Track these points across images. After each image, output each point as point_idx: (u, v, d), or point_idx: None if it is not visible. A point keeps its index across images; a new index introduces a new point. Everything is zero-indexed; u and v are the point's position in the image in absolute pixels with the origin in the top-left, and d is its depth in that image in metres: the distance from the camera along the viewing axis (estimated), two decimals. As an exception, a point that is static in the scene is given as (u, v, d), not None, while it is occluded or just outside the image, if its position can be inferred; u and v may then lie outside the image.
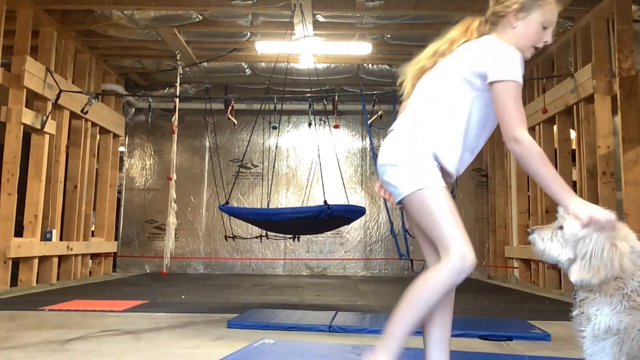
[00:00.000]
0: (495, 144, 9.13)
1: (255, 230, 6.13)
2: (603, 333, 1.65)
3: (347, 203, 5.51)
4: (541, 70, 7.59)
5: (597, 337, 1.66)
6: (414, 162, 1.87)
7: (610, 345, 1.64)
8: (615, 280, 1.65)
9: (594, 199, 5.64)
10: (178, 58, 7.37)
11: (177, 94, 7.28)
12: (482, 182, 9.63)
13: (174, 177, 6.53)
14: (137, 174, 9.71)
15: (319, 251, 9.46)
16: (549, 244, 1.80)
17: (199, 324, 3.78)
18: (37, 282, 6.33)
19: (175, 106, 6.81)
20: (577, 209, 1.69)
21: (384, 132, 9.44)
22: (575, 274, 1.70)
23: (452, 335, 3.32)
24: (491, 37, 1.97)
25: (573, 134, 7.03)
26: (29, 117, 6.05)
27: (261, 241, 6.20)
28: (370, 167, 9.54)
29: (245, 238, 6.57)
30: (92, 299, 5.23)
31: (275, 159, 8.08)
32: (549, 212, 7.18)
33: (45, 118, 6.31)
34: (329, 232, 8.71)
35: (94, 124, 7.80)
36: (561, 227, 1.79)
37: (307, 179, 8.79)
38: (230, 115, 5.89)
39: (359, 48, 7.44)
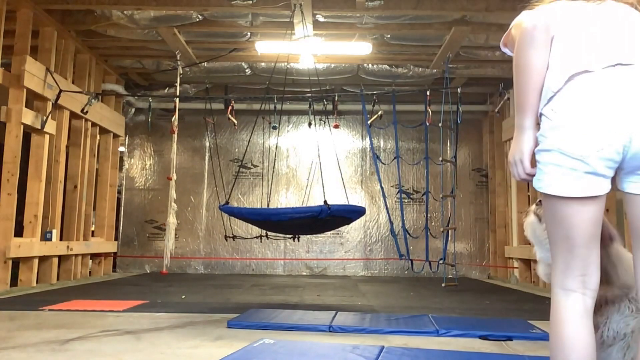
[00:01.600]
0: (495, 144, 9.13)
1: (255, 230, 6.12)
2: (611, 339, 1.64)
3: (347, 203, 5.51)
4: (541, 70, 7.58)
5: (604, 343, 1.65)
6: None
7: (617, 351, 1.63)
8: (617, 289, 1.65)
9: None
10: (178, 58, 7.36)
11: (177, 94, 7.27)
12: (482, 182, 9.63)
13: (174, 177, 6.52)
14: (137, 174, 9.71)
15: (319, 251, 9.46)
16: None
17: (199, 324, 3.78)
18: (37, 282, 6.33)
19: (175, 106, 6.81)
20: None
21: (384, 132, 9.47)
22: None
23: (452, 335, 3.36)
24: None
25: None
26: (29, 117, 6.05)
27: (261, 241, 6.20)
28: (370, 167, 9.54)
29: (245, 238, 6.57)
30: (92, 299, 5.23)
31: (275, 159, 8.08)
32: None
33: (45, 118, 6.31)
34: (329, 232, 8.71)
35: (94, 124, 7.80)
36: None
37: (307, 179, 8.79)
38: (230, 115, 5.89)
39: (359, 48, 7.43)
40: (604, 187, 1.46)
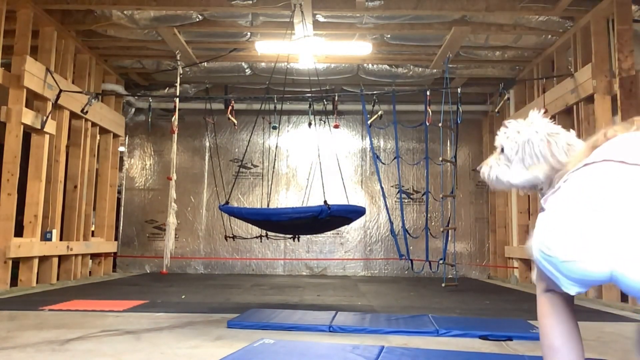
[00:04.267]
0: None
1: (255, 230, 6.13)
2: None
3: (347, 203, 5.51)
4: (541, 70, 7.59)
5: None
6: None
7: None
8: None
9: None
10: (178, 58, 7.37)
11: (177, 94, 7.28)
12: (482, 182, 9.59)
13: (174, 177, 6.52)
14: (137, 174, 9.71)
15: (319, 251, 9.46)
16: (497, 169, 1.86)
17: (199, 324, 3.78)
18: (37, 282, 6.33)
19: (175, 106, 6.81)
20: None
21: (384, 132, 9.48)
22: (528, 174, 1.79)
23: (452, 335, 3.36)
24: None
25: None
26: (29, 117, 6.05)
27: (261, 241, 6.20)
28: (370, 167, 9.54)
29: (245, 238, 6.57)
30: (92, 299, 5.23)
31: (275, 159, 8.08)
32: (549, 212, 7.16)
33: (45, 118, 6.31)
34: (329, 232, 8.71)
35: (94, 124, 7.80)
36: (502, 150, 1.86)
37: (307, 179, 8.79)
38: (230, 115, 5.89)
39: (359, 48, 7.44)
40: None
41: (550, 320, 1.64)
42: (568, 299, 1.64)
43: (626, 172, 1.34)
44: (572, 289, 1.41)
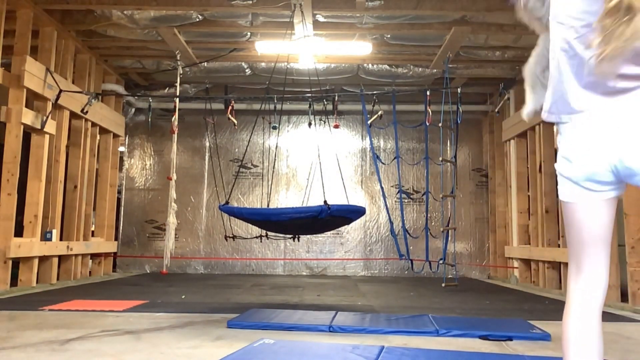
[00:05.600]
0: (495, 144, 9.14)
1: (255, 230, 6.12)
2: None
3: (347, 203, 5.50)
4: (541, 70, 7.58)
5: None
6: None
7: None
8: None
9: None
10: (178, 58, 7.37)
11: (177, 94, 7.28)
12: (482, 182, 9.63)
13: (174, 177, 6.52)
14: (137, 174, 9.71)
15: (319, 251, 9.46)
16: None
17: (199, 324, 3.78)
18: (37, 282, 6.33)
19: (175, 106, 6.81)
20: None
21: (384, 132, 9.48)
22: None
23: (452, 335, 3.36)
24: None
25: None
26: (29, 117, 6.05)
27: (261, 241, 6.20)
28: (370, 167, 9.54)
29: (245, 238, 6.57)
30: (92, 299, 5.23)
31: (275, 159, 8.08)
32: (549, 212, 7.18)
33: (45, 118, 6.31)
34: (329, 232, 8.70)
35: (94, 124, 7.80)
36: None
37: (307, 179, 8.78)
38: (230, 115, 5.88)
39: (359, 48, 7.44)
40: (598, 196, 1.56)
41: (567, 322, 1.64)
42: (594, 302, 1.59)
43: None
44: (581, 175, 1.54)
